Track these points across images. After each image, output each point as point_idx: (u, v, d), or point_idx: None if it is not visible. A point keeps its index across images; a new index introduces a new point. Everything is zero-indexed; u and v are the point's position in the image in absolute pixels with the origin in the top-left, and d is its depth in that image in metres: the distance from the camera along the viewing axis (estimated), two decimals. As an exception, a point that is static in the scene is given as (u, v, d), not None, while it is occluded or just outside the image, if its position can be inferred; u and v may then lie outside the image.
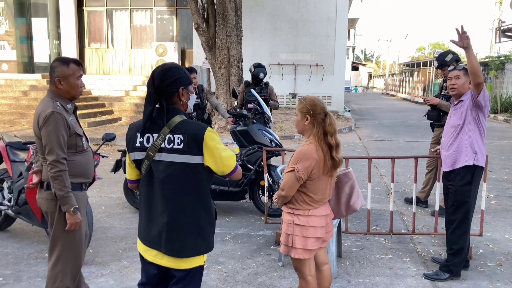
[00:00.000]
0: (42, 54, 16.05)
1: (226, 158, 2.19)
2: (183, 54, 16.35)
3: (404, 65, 37.63)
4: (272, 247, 4.35)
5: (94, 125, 12.06)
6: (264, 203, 5.01)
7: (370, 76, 59.12)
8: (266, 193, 4.70)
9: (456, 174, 3.66)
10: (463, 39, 3.19)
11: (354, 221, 5.12)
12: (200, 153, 2.13)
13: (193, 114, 5.65)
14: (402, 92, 33.62)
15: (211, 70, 11.83)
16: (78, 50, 16.65)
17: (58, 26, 16.27)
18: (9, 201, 4.43)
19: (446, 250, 3.80)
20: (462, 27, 3.24)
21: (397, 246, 4.41)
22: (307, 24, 15.60)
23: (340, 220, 4.05)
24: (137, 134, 2.21)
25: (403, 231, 4.82)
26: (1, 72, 15.14)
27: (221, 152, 2.17)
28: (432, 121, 5.48)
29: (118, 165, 5.40)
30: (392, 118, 16.49)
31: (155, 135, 2.17)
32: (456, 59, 5.20)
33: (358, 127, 13.94)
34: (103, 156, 4.53)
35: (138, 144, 2.20)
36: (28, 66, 16.47)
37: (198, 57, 14.75)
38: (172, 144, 2.14)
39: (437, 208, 4.44)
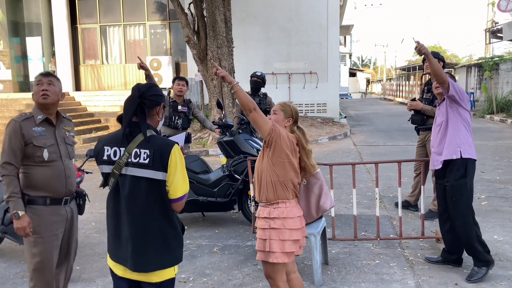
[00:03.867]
0: (37, 72, 16.10)
1: (182, 182, 2.19)
2: (177, 67, 16.44)
3: (400, 69, 37.72)
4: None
5: (89, 141, 12.09)
6: (252, 212, 5.01)
7: (368, 81, 59.26)
8: (253, 203, 4.70)
9: (449, 170, 3.75)
10: (420, 48, 3.44)
11: (343, 227, 5.11)
12: (165, 169, 2.15)
13: (179, 121, 5.66)
14: (399, 96, 33.66)
15: (203, 82, 11.88)
16: (73, 67, 16.76)
17: (52, 44, 16.41)
18: (-4, 221, 4.43)
19: (465, 249, 3.81)
20: (413, 38, 3.58)
21: (384, 251, 4.39)
22: (299, 33, 15.69)
23: (325, 226, 4.04)
24: (105, 147, 2.23)
25: (391, 236, 4.81)
26: (-4, 92, 15.25)
27: (180, 174, 2.18)
28: (416, 125, 5.50)
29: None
30: (388, 122, 16.50)
31: (122, 149, 2.18)
32: (440, 59, 5.24)
33: (353, 133, 13.95)
34: (87, 173, 4.54)
35: (105, 157, 2.22)
36: (24, 85, 16.57)
37: (192, 70, 14.82)
38: (138, 158, 2.15)
39: (422, 211, 4.44)
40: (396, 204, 5.89)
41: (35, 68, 16.17)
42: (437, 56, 5.20)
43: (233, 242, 4.80)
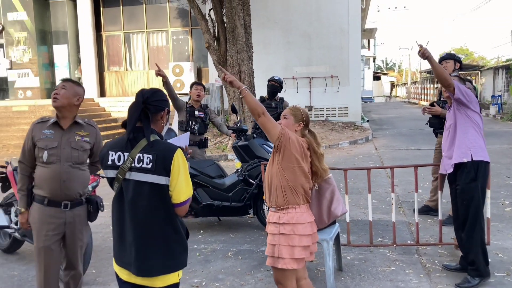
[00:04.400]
0: (63, 79, 16.58)
1: (185, 186, 2.20)
2: (199, 73, 16.59)
3: (425, 72, 37.05)
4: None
5: (112, 146, 12.28)
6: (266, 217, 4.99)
7: (392, 85, 58.44)
8: (267, 207, 4.68)
9: (460, 173, 3.65)
10: (423, 52, 3.39)
11: (360, 233, 5.03)
12: (167, 174, 2.15)
13: (195, 127, 5.70)
14: (424, 100, 33.02)
15: (223, 87, 11.94)
16: (98, 74, 17.12)
17: (78, 51, 16.80)
18: (16, 224, 4.55)
19: (465, 255, 3.72)
20: (416, 42, 3.54)
21: (401, 258, 4.30)
22: (320, 37, 15.61)
23: (339, 232, 3.99)
24: (110, 152, 2.25)
25: (409, 242, 4.70)
26: (25, 99, 15.70)
27: (183, 178, 2.18)
28: (434, 128, 5.39)
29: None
30: (411, 126, 16.20)
31: (126, 154, 2.21)
32: (456, 60, 5.14)
33: (375, 137, 13.76)
34: (103, 177, 4.61)
35: (109, 162, 2.24)
36: (51, 91, 16.98)
37: (214, 75, 14.92)
38: (141, 163, 2.17)
39: (440, 217, 4.33)
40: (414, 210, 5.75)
41: (61, 75, 16.57)
42: (453, 57, 5.09)
43: (248, 247, 4.79)
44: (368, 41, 47.25)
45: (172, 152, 2.17)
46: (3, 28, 15.73)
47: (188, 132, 2.61)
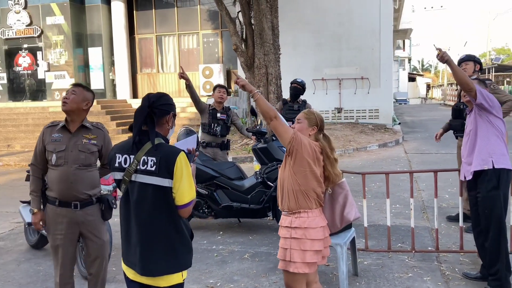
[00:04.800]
0: (97, 81, 17.07)
1: (188, 189, 2.23)
2: (228, 75, 16.72)
3: (463, 73, 35.90)
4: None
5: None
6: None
7: (428, 86, 57.04)
8: (284, 211, 4.68)
9: (481, 181, 3.53)
10: (442, 55, 3.30)
11: (380, 238, 4.95)
12: (170, 176, 2.20)
13: (217, 129, 5.76)
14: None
15: (251, 89, 12.00)
16: (131, 76, 17.54)
17: (112, 54, 17.26)
18: (43, 221, 4.74)
19: (488, 265, 3.60)
20: (434, 45, 3.45)
21: (420, 264, 4.21)
22: (351, 38, 15.43)
23: (354, 237, 3.94)
24: (117, 155, 2.32)
25: (429, 248, 4.59)
26: (61, 100, 16.24)
27: (186, 180, 2.22)
28: (455, 131, 5.24)
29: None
30: (445, 129, 15.73)
31: (132, 157, 2.27)
32: (476, 61, 4.99)
33: (406, 140, 13.47)
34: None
35: (117, 165, 2.31)
36: (86, 93, 17.53)
37: (243, 77, 15.01)
38: (146, 165, 2.23)
39: (461, 224, 4.21)
40: (449, 218, 5.56)
41: (96, 77, 17.10)
42: (473, 58, 4.94)
43: (265, 249, 4.80)
44: (403, 41, 46.17)
45: (175, 155, 2.22)
46: None
47: (196, 135, 2.65)
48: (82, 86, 3.17)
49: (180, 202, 2.24)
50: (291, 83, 6.51)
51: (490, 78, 25.11)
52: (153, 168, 2.21)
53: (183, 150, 2.28)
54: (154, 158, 2.21)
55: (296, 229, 2.76)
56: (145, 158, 2.23)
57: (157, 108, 2.30)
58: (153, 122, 2.28)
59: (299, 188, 2.79)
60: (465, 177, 3.67)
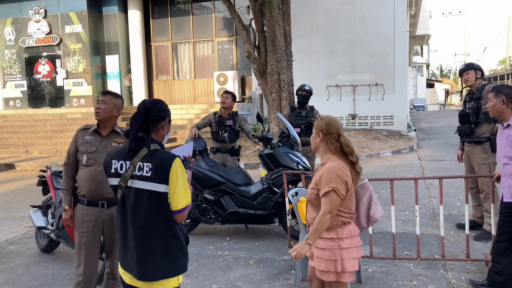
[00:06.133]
0: (114, 88, 17.33)
1: (183, 194, 2.26)
2: (243, 81, 16.82)
3: (483, 79, 35.40)
4: (293, 271, 4.30)
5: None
6: (292, 226, 4.99)
7: (447, 92, 56.26)
8: (289, 216, 4.69)
9: None
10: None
11: (387, 245, 4.91)
12: (166, 182, 2.24)
13: (225, 135, 5.83)
14: (480, 108, 31.51)
15: (263, 95, 12.05)
16: (147, 83, 17.79)
17: (128, 61, 17.54)
18: (52, 225, 4.84)
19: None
20: None
21: (425, 273, 4.16)
22: (364, 44, 15.37)
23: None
24: (113, 161, 2.37)
25: (436, 256, 4.53)
26: (78, 107, 16.57)
27: (181, 186, 2.25)
28: (462, 136, 5.18)
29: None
30: (461, 136, 15.50)
31: (128, 163, 2.32)
32: (476, 69, 4.99)
33: (421, 146, 13.32)
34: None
35: (113, 171, 2.36)
36: (103, 100, 17.82)
37: (256, 84, 15.10)
38: (141, 171, 2.27)
39: (467, 232, 4.15)
40: (459, 225, 5.47)
41: (112, 84, 17.37)
42: (472, 67, 5.05)
43: (270, 255, 4.81)
44: (421, 47, 45.80)
45: (170, 161, 2.26)
46: None
47: (192, 142, 2.69)
48: (111, 94, 3.35)
49: (175, 207, 2.27)
50: (298, 90, 6.52)
51: (510, 84, 24.70)
52: (148, 174, 2.25)
53: (179, 156, 2.32)
54: (149, 164, 2.25)
55: (344, 239, 2.66)
56: (141, 164, 2.27)
57: (153, 114, 2.35)
58: (148, 128, 2.33)
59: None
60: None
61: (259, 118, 5.42)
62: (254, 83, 15.87)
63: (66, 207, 3.32)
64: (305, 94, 6.43)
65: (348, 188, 2.65)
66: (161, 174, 2.24)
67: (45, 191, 5.25)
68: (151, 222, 2.27)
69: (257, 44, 11.85)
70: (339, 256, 2.62)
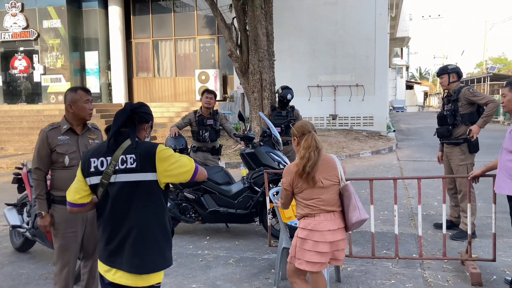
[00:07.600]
0: (93, 85, 17.08)
1: (183, 164, 2.28)
2: (224, 80, 16.77)
3: (460, 82, 36.10)
4: (273, 270, 4.30)
5: (136, 150, 12.55)
6: (273, 225, 4.99)
7: (426, 94, 57.23)
8: (269, 215, 4.68)
9: None
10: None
11: (366, 245, 4.95)
12: (153, 169, 2.22)
13: (206, 134, 5.80)
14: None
15: (245, 94, 12.04)
16: (127, 80, 17.57)
17: (108, 58, 17.30)
18: (28, 224, 4.73)
19: None
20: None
21: (403, 271, 4.21)
22: (346, 45, 15.51)
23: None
24: (91, 159, 2.31)
25: (414, 255, 4.59)
26: (56, 103, 16.26)
27: (175, 160, 2.26)
28: (441, 138, 5.26)
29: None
30: (439, 137, 15.79)
31: (109, 158, 2.27)
32: (451, 71, 5.10)
33: (400, 147, 13.52)
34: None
35: (92, 169, 2.30)
36: (82, 96, 17.52)
37: (238, 83, 15.08)
38: (125, 164, 2.23)
39: (444, 231, 4.21)
40: (436, 225, 5.55)
41: (91, 81, 17.11)
42: (446, 71, 5.19)
43: (250, 254, 4.79)
44: (401, 49, 46.44)
45: (154, 148, 2.26)
46: None
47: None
48: (86, 90, 3.26)
49: (188, 175, 2.30)
50: (280, 96, 6.44)
51: (485, 87, 25.25)
52: (133, 165, 2.21)
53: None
54: (133, 155, 2.22)
55: (302, 230, 2.95)
56: (124, 157, 2.23)
57: (139, 113, 2.34)
58: (134, 124, 2.31)
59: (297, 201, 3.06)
60: (501, 190, 3.58)
61: (241, 117, 5.40)
62: (236, 81, 15.85)
63: (44, 214, 3.13)
64: (286, 102, 6.41)
65: (295, 183, 2.95)
66: (148, 162, 2.22)
67: (21, 189, 5.11)
68: (141, 213, 2.23)
69: (239, 43, 11.84)
70: (295, 242, 2.98)
